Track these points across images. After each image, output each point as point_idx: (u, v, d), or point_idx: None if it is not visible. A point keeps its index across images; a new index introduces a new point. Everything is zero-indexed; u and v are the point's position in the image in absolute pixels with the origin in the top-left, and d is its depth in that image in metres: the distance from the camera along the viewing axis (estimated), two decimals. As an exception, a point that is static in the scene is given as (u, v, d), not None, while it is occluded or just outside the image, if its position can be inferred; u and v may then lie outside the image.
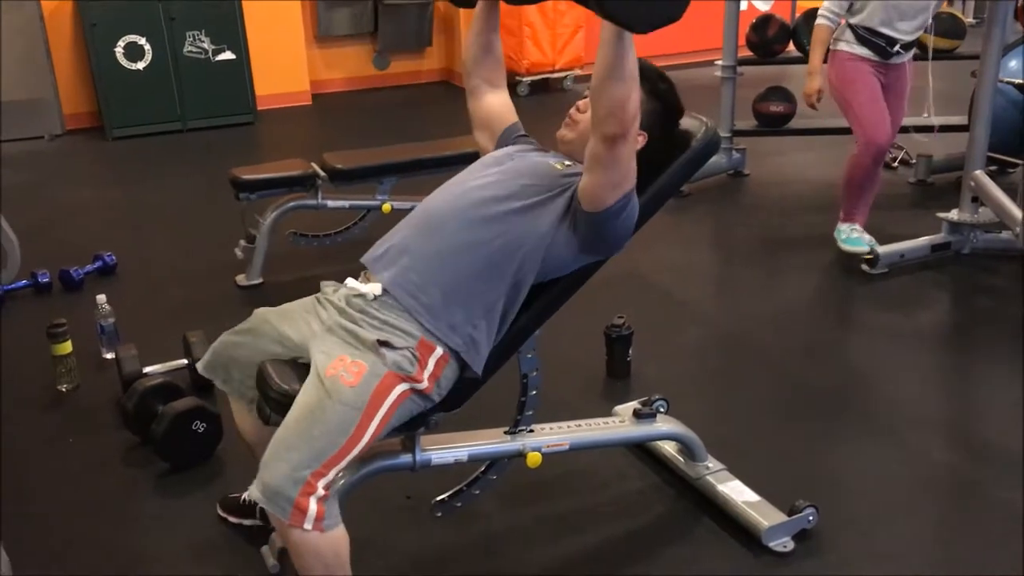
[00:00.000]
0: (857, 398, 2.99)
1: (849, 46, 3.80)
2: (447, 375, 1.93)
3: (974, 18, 7.81)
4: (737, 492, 2.38)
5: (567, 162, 2.08)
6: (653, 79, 2.09)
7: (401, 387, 1.84)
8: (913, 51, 3.88)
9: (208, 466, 2.63)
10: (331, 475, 1.75)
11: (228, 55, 6.37)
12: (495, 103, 2.29)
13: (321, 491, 1.72)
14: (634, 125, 1.81)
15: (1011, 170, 4.49)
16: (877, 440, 2.74)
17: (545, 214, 1.96)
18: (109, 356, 3.22)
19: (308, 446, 1.74)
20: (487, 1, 2.21)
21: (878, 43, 3.74)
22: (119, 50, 6.10)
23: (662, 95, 2.10)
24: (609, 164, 1.85)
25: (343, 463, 1.77)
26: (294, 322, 2.03)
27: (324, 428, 1.76)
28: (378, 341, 1.84)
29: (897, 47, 3.75)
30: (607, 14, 1.63)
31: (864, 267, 3.85)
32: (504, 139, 2.26)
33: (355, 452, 1.79)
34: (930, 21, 3.86)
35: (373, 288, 1.93)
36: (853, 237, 3.94)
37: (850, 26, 3.80)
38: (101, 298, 3.27)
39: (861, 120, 3.80)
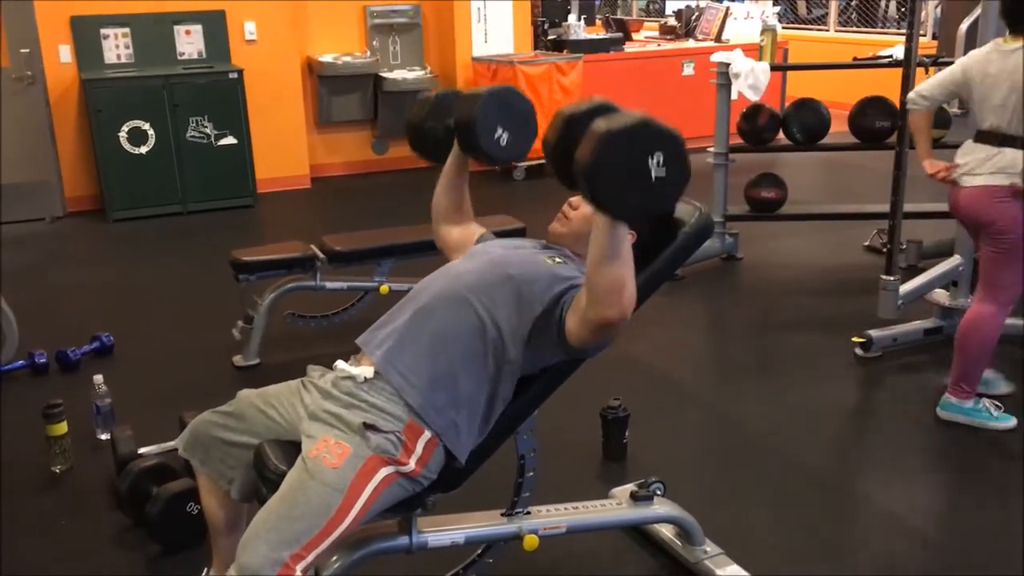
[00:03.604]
0: (853, 481, 2.98)
1: (1010, 177, 3.02)
2: (436, 459, 1.93)
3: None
4: (735, 577, 2.36)
5: (558, 259, 2.10)
6: None
7: (386, 470, 1.84)
8: None
9: (200, 549, 2.59)
10: (311, 558, 1.74)
11: (230, 140, 6.49)
12: (462, 234, 2.36)
13: (298, 574, 1.72)
14: (631, 307, 1.82)
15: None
16: (875, 524, 2.73)
17: (527, 310, 1.98)
18: (104, 437, 3.21)
19: (288, 526, 1.74)
20: (457, 159, 2.32)
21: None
22: (123, 135, 6.20)
23: None
24: (600, 335, 1.87)
25: (323, 545, 1.77)
26: (281, 406, 2.04)
27: (305, 509, 1.76)
28: (364, 424, 1.85)
29: None
30: (600, 208, 1.69)
31: (858, 351, 3.88)
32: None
33: (336, 535, 1.78)
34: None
35: (364, 371, 1.94)
36: (997, 414, 3.24)
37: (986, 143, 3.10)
38: (98, 378, 3.27)
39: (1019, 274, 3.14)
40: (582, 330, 1.87)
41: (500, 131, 2.21)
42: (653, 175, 1.63)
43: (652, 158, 1.63)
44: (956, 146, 3.56)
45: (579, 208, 2.10)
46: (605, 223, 1.72)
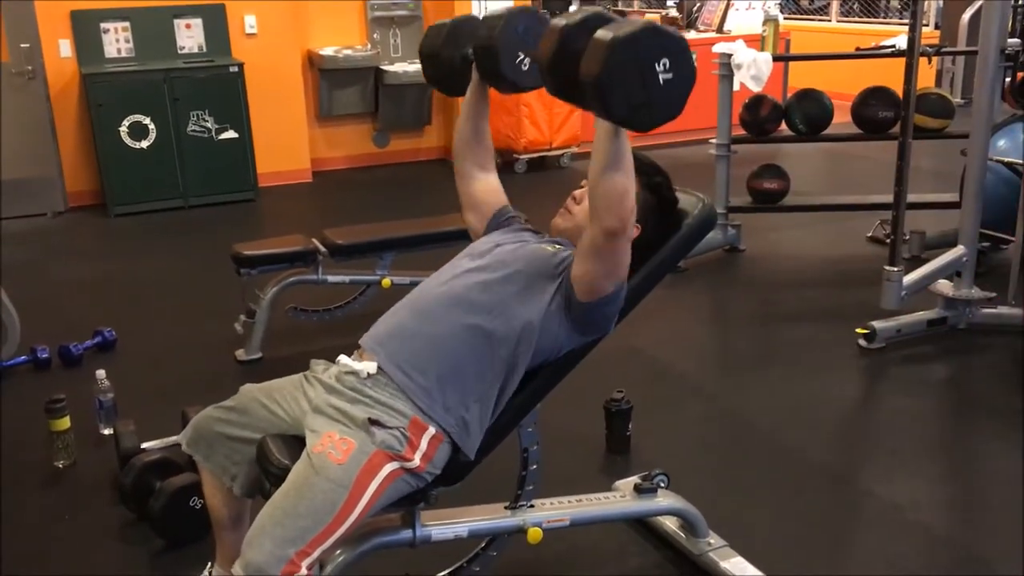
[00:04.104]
0: (856, 473, 2.98)
1: None
2: (440, 454, 1.92)
3: (962, 98, 7.97)
4: (739, 569, 2.36)
5: (558, 245, 2.11)
6: (649, 172, 2.14)
7: (391, 466, 1.84)
8: None
9: (204, 544, 2.58)
10: (316, 554, 1.74)
11: (231, 134, 6.48)
12: (485, 187, 2.32)
13: (304, 571, 1.71)
14: (632, 218, 1.83)
15: (1003, 246, 4.54)
16: (878, 516, 2.72)
17: (537, 300, 1.98)
18: (107, 432, 3.20)
19: (294, 523, 1.73)
20: (477, 90, 2.26)
21: None
22: (124, 129, 6.19)
23: (656, 188, 2.15)
24: (606, 256, 1.87)
25: (329, 542, 1.76)
26: (284, 400, 2.03)
27: (310, 505, 1.75)
28: (369, 419, 1.84)
29: None
30: (611, 118, 1.67)
31: (861, 342, 3.87)
32: (495, 221, 2.28)
33: (342, 531, 1.77)
34: None
35: (367, 366, 1.93)
36: None
37: None
38: (100, 373, 3.27)
39: None
40: (587, 260, 1.88)
41: (523, 56, 2.11)
42: (661, 80, 1.62)
43: (659, 64, 1.61)
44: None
45: (582, 202, 2.10)
46: (608, 131, 1.72)
